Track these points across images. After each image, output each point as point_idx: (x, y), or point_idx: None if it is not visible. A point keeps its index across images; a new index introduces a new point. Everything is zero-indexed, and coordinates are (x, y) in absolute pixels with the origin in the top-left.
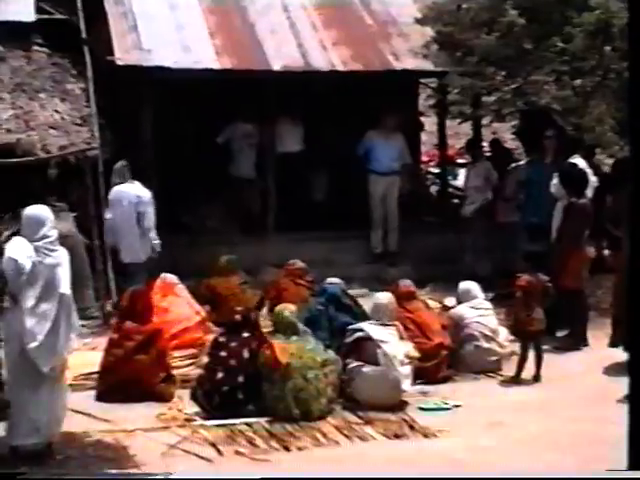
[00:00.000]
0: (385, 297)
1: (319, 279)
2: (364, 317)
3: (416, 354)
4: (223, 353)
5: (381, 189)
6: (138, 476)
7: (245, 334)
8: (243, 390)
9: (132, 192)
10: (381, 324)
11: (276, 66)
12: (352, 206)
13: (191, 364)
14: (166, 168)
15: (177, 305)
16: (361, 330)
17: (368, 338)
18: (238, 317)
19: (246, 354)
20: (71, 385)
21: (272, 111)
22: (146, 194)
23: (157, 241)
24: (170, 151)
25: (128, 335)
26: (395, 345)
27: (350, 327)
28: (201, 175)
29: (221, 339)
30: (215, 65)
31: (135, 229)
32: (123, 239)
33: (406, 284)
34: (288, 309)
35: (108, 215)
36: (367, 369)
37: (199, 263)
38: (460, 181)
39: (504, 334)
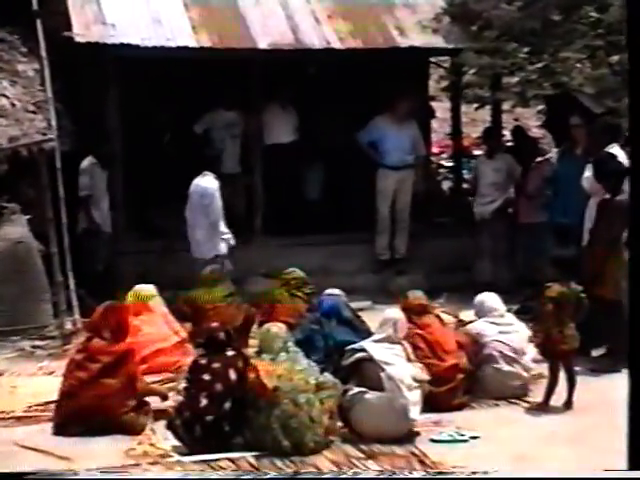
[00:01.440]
0: (394, 312)
1: (316, 291)
2: (367, 335)
3: (426, 377)
4: (206, 376)
5: (392, 185)
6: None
7: (230, 352)
8: (230, 420)
9: (201, 184)
10: (386, 342)
11: (262, 44)
12: (353, 205)
13: (167, 391)
14: (136, 162)
15: (152, 323)
16: (363, 350)
17: (370, 359)
18: (220, 333)
19: (233, 376)
20: (20, 418)
21: (258, 96)
22: (211, 185)
23: (227, 236)
24: (140, 143)
25: (94, 356)
26: (402, 367)
27: (350, 347)
28: (177, 170)
29: (202, 361)
30: (191, 42)
31: (202, 223)
32: (193, 234)
33: (416, 296)
34: (276, 327)
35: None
36: (370, 395)
37: (176, 273)
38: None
39: (530, 354)
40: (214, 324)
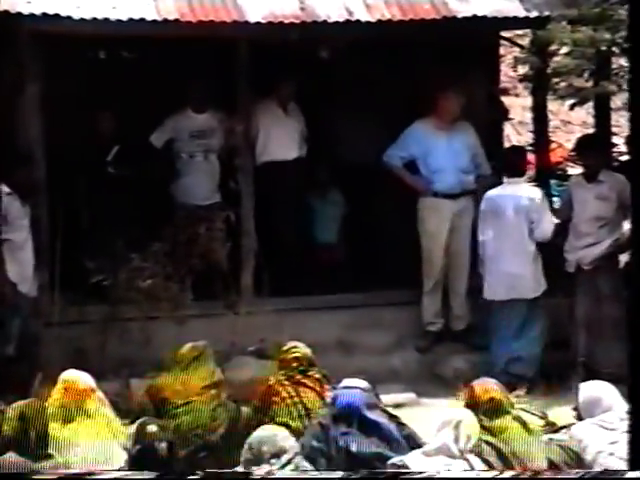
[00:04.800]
0: (455, 411)
1: (329, 375)
2: (409, 444)
3: None
4: None
5: (444, 222)
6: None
7: None
8: None
9: (518, 194)
10: (443, 456)
11: (253, 15)
12: (386, 251)
13: None
14: (68, 190)
15: (89, 434)
16: (404, 467)
17: None
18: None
19: None
20: None
21: (247, 92)
22: (536, 194)
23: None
24: (74, 161)
25: None
26: None
27: (390, 462)
28: (126, 198)
29: None
30: (149, 14)
31: (524, 250)
32: (497, 267)
33: (487, 386)
34: (274, 432)
35: (483, 234)
36: None
37: (127, 352)
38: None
39: None
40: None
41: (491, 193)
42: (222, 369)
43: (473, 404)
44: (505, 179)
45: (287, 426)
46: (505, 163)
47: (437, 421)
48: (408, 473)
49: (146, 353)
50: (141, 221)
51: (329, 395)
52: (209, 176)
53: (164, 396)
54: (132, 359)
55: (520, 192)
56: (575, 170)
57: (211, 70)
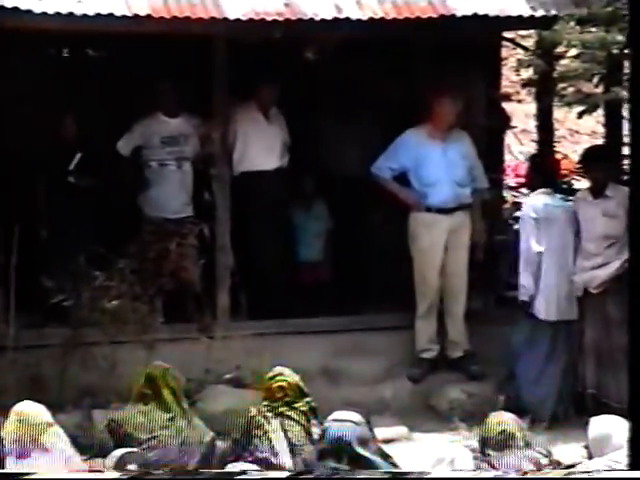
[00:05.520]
0: (451, 447)
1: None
2: None
3: None
4: None
5: (438, 238)
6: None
7: None
8: None
9: (566, 205)
10: None
11: (232, 11)
12: (376, 270)
13: None
14: (22, 197)
15: (44, 472)
16: None
17: None
18: None
19: None
20: None
21: (225, 95)
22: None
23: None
24: (30, 170)
25: None
26: None
27: None
28: (89, 211)
29: None
30: (119, 9)
31: (571, 265)
32: (554, 282)
33: (502, 417)
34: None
35: (536, 246)
36: None
37: (90, 380)
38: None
39: None
40: None
41: (539, 201)
42: (195, 399)
43: (485, 437)
44: (541, 189)
45: (269, 462)
46: (543, 170)
47: (431, 458)
48: (407, 473)
49: (111, 381)
50: (106, 236)
51: (316, 430)
52: (181, 187)
53: (126, 431)
54: (95, 388)
55: (567, 203)
56: (581, 184)
57: (185, 71)
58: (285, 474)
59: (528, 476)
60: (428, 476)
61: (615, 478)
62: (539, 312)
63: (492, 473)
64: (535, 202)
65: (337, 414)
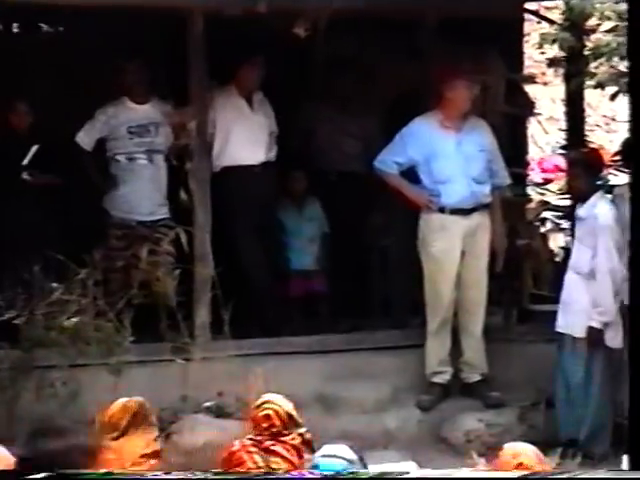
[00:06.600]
0: None
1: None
2: None
3: None
4: None
5: (453, 243)
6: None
7: None
8: None
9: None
10: None
11: None
12: (377, 281)
13: None
14: None
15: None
16: None
17: None
18: None
19: None
20: None
21: (202, 78)
22: (606, 212)
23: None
24: None
25: None
26: None
27: None
28: (46, 213)
29: None
30: None
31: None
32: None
33: (517, 450)
34: None
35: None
36: None
37: (46, 410)
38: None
39: None
40: None
41: (608, 206)
42: (170, 431)
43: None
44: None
45: None
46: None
47: None
48: (407, 473)
49: (71, 412)
50: (66, 242)
51: (307, 466)
52: (154, 184)
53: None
54: (53, 419)
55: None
56: (620, 179)
57: (156, 50)
58: None
59: (528, 476)
60: (430, 476)
61: (615, 478)
62: (611, 340)
63: (492, 473)
64: (608, 208)
65: (326, 449)
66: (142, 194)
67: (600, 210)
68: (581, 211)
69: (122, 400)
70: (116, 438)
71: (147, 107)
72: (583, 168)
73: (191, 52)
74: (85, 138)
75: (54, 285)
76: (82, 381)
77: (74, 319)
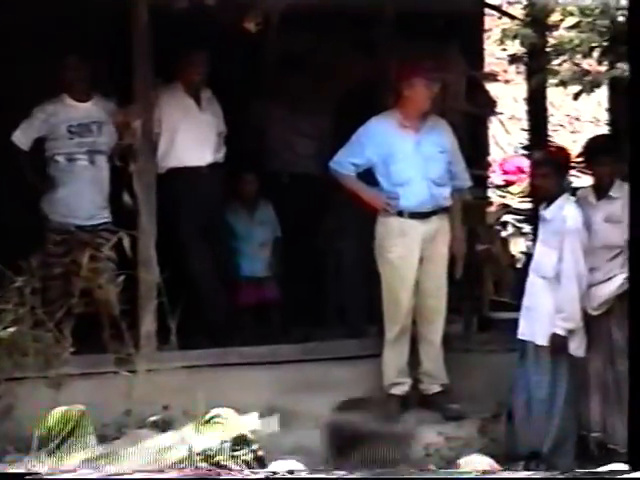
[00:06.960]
0: None
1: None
2: None
3: None
4: None
5: (411, 248)
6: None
7: None
8: None
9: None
10: None
11: None
12: (332, 288)
13: None
14: None
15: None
16: None
17: None
18: None
19: None
20: None
21: (145, 73)
22: (574, 214)
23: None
24: None
25: None
26: None
27: None
28: None
29: None
30: None
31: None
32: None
33: (476, 461)
34: None
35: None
36: None
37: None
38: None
39: None
40: None
41: (575, 209)
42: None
43: None
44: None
45: None
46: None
47: None
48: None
49: (7, 427)
50: (0, 247)
51: None
52: (95, 186)
53: None
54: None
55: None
56: (582, 183)
57: (97, 43)
58: None
59: (528, 476)
60: (428, 476)
61: (615, 478)
62: (576, 350)
63: (492, 474)
64: (576, 211)
65: (275, 465)
66: (82, 197)
67: (568, 212)
68: (547, 213)
69: (61, 408)
70: (54, 450)
71: (89, 105)
72: (551, 167)
73: (136, 47)
74: (22, 137)
75: None
76: (19, 395)
77: (10, 329)
